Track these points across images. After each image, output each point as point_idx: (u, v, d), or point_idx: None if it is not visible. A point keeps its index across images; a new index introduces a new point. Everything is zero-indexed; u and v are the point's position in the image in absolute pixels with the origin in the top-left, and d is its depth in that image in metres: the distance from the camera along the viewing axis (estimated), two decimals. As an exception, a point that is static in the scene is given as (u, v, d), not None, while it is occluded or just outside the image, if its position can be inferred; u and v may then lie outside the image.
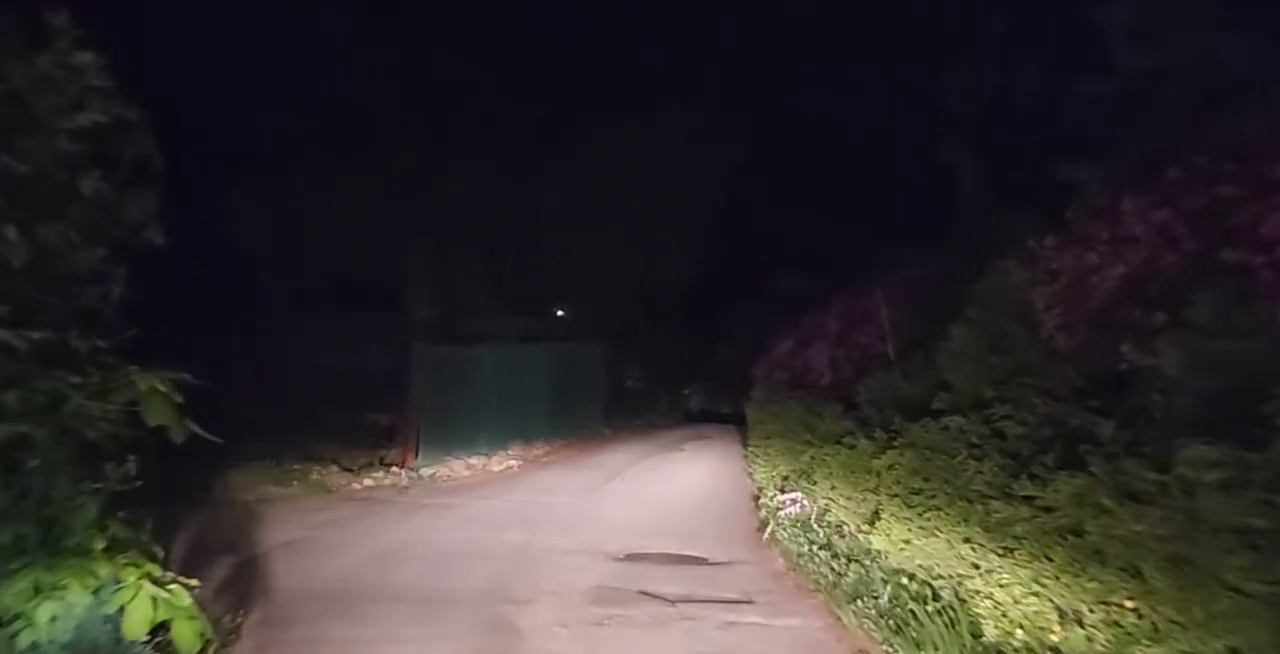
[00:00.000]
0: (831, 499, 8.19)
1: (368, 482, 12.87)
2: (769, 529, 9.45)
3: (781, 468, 10.55)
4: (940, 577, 4.82)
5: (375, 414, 15.25)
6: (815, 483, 8.81)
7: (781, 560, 8.69)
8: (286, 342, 14.88)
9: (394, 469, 13.38)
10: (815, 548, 7.94)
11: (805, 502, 8.89)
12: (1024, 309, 5.36)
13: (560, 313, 22.85)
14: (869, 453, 6.46)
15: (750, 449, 13.15)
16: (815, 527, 8.39)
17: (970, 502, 4.66)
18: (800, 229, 17.65)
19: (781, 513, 8.99)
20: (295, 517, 10.39)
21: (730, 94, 16.38)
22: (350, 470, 13.27)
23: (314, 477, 12.48)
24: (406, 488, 12.88)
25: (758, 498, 11.44)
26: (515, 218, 15.60)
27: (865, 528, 7.22)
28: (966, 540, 4.43)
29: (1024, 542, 3.95)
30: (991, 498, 4.41)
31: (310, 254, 14.23)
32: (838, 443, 7.96)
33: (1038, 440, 4.69)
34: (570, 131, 15.40)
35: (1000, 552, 4.14)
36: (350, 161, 13.69)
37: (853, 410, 8.47)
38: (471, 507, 11.56)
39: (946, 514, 4.79)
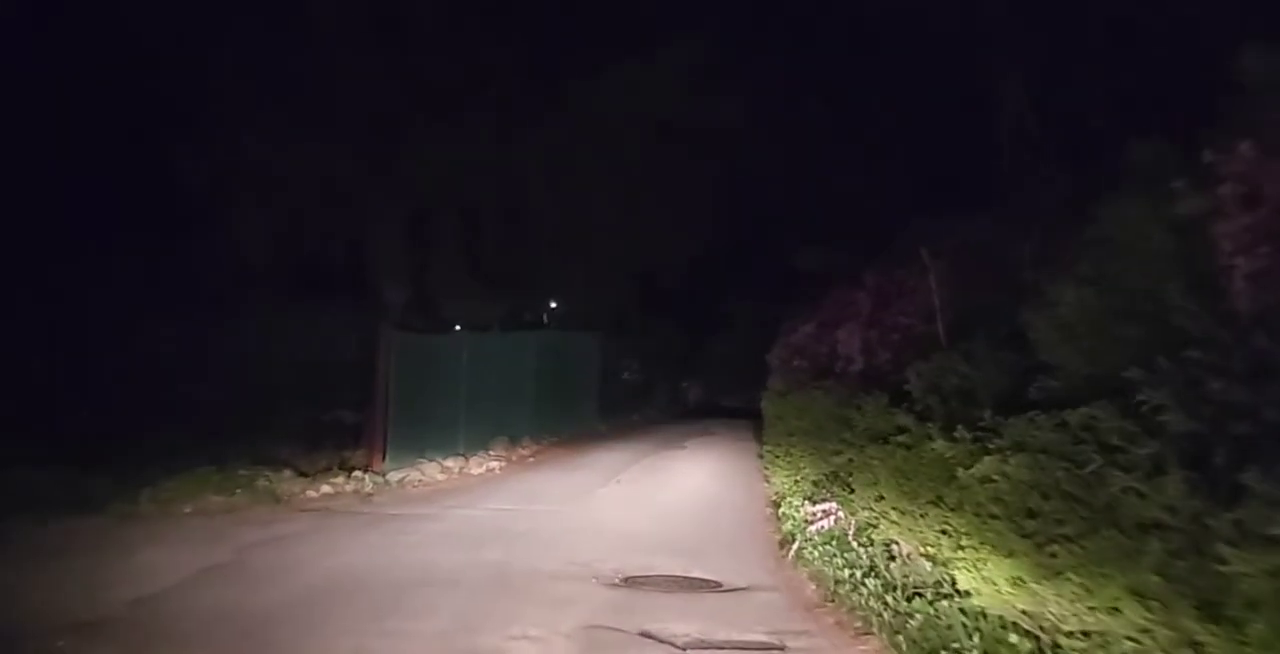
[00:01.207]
0: (878, 512, 6.75)
1: (326, 489, 11.42)
2: (794, 546, 8.02)
3: (809, 471, 9.11)
4: (1079, 636, 3.40)
5: (339, 411, 13.77)
6: (854, 491, 7.37)
7: (813, 586, 7.27)
8: (239, 329, 13.37)
9: (357, 474, 11.92)
10: (858, 573, 6.51)
11: (841, 514, 7.45)
12: (1176, 257, 3.93)
13: (554, 305, 21.44)
14: (945, 457, 5.01)
15: (768, 448, 11.69)
16: (855, 546, 6.96)
17: (1124, 533, 3.23)
18: (818, 200, 16.15)
19: (811, 527, 7.55)
20: (231, 532, 8.94)
21: (736, 40, 14.82)
22: (307, 475, 11.82)
23: (262, 483, 11.02)
24: (371, 495, 11.44)
25: (777, 505, 10.01)
26: (498, 188, 14.08)
27: (929, 552, 5.80)
28: (1136, 595, 2.99)
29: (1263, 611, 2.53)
30: (1173, 528, 2.98)
31: (266, 229, 12.70)
32: (885, 442, 6.52)
33: (1216, 441, 3.24)
34: (557, 86, 13.87)
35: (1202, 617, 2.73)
36: (309, 125, 12.17)
37: (901, 402, 7.03)
38: (444, 518, 10.12)
39: (1085, 550, 3.36)
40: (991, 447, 4.33)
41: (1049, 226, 8.19)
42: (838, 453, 8.09)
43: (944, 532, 5.03)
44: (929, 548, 5.90)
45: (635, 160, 15.22)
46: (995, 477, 4.16)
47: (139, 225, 12.06)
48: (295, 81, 11.69)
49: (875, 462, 6.57)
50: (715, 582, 7.74)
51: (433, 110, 12.48)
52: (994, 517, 4.12)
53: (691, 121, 14.95)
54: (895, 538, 6.40)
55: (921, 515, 5.94)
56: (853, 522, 7.36)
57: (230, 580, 7.14)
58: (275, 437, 12.96)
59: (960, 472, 4.59)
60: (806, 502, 8.34)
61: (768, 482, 11.58)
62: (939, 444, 5.04)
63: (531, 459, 14.98)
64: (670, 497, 11.89)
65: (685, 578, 7.82)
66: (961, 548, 4.56)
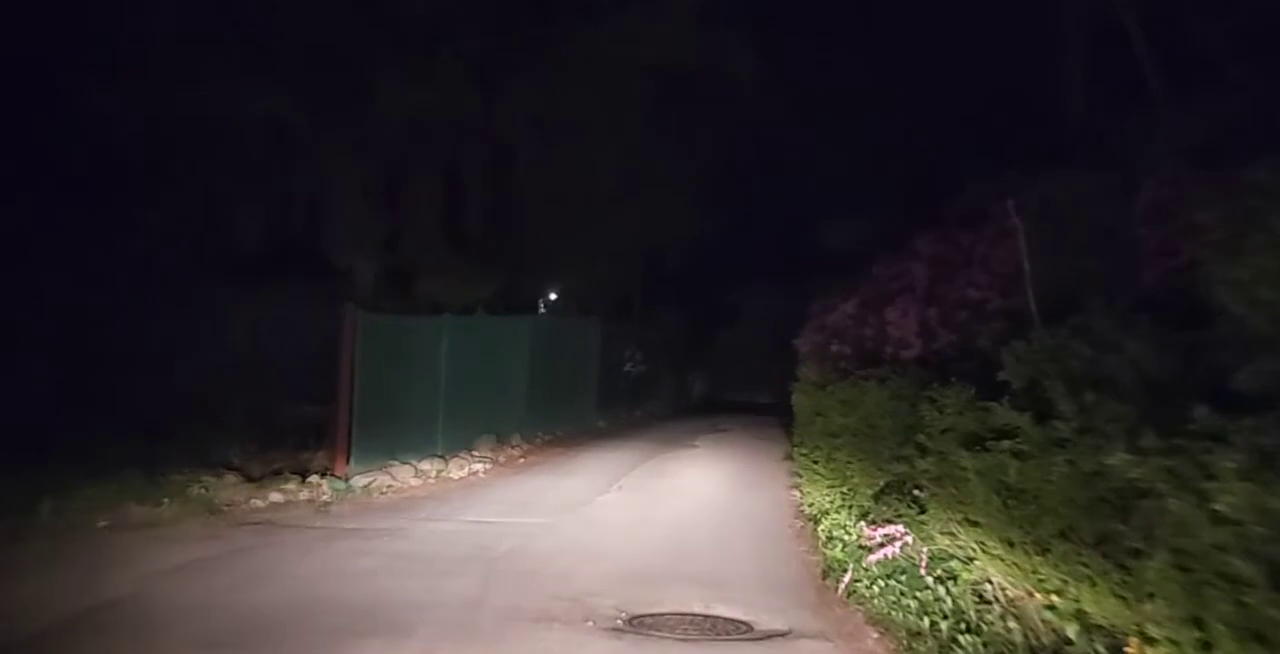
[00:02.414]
0: (967, 543, 5.16)
1: (275, 497, 9.85)
2: (845, 578, 6.42)
3: (859, 482, 7.51)
4: None
5: (301, 406, 12.19)
6: (925, 510, 5.79)
7: (875, 634, 5.69)
8: (182, 311, 11.77)
9: (314, 479, 10.33)
10: (943, 625, 4.93)
11: (909, 539, 5.86)
12: None
13: (554, 296, 19.89)
14: (1125, 477, 3.42)
15: (801, 451, 10.03)
16: (930, 583, 5.38)
17: None
18: (846, 165, 14.51)
19: (872, 558, 5.95)
20: (143, 554, 7.40)
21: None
22: (255, 481, 10.25)
23: (196, 491, 9.44)
24: (328, 505, 9.88)
25: (814, 521, 8.42)
26: (481, 147, 12.44)
27: (1052, 602, 4.24)
28: None
29: None
30: None
31: (209, 191, 11.07)
32: (981, 448, 4.93)
33: None
34: (547, 25, 12.20)
35: None
36: (255, 69, 10.51)
37: (994, 394, 5.44)
38: (411, 534, 8.56)
39: None
40: (1231, 465, 2.73)
41: (1172, 177, 6.61)
42: (901, 459, 6.49)
43: (1120, 593, 3.44)
44: (1055, 598, 4.33)
45: (637, 119, 13.58)
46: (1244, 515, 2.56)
47: (61, 188, 10.42)
48: (236, 14, 10.03)
49: (968, 474, 4.97)
50: (745, 623, 6.20)
51: (401, 50, 10.81)
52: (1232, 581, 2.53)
53: (699, 72, 13.30)
54: (999, 580, 4.82)
55: (1041, 551, 4.37)
56: (924, 550, 5.76)
57: (115, 627, 5.56)
58: (222, 436, 11.42)
59: (1172, 504, 2.98)
60: (862, 522, 6.74)
61: (799, 491, 9.99)
62: (1119, 458, 3.43)
63: (522, 460, 13.39)
64: (681, 507, 10.31)
65: (706, 617, 6.28)
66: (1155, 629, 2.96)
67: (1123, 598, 3.95)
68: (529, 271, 15.42)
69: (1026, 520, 4.62)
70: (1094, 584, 4.11)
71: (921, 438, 5.67)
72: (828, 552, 6.99)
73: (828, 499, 8.06)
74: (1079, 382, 4.57)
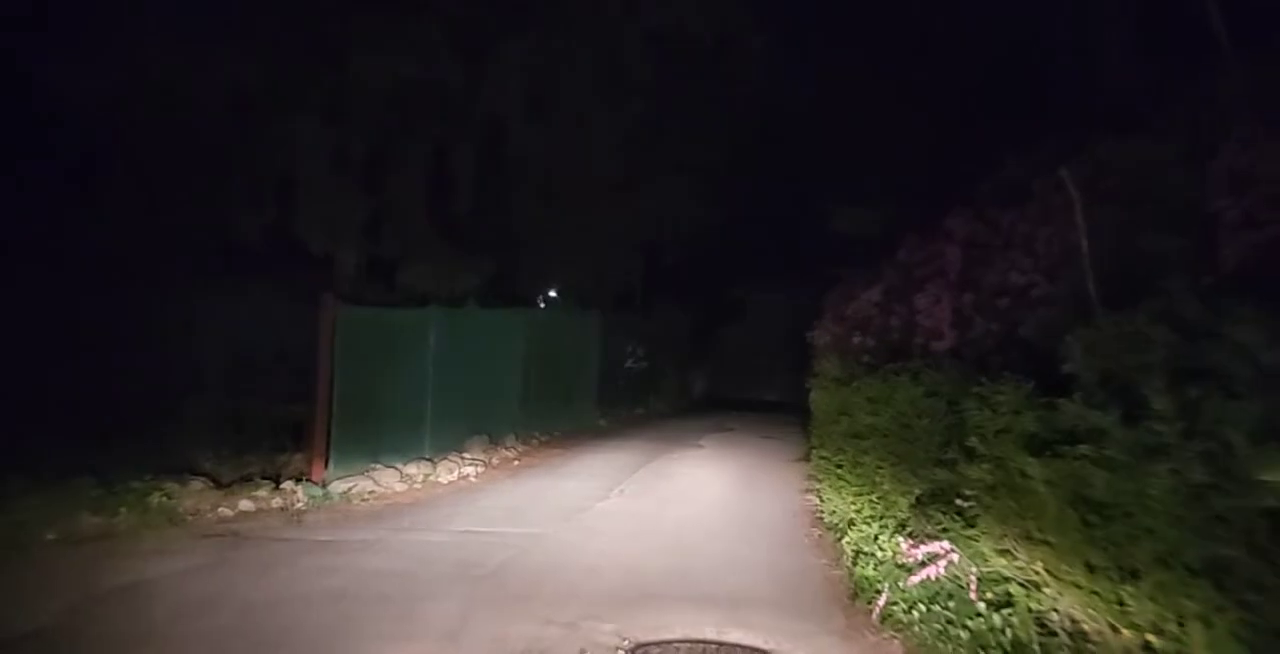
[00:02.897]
0: (1028, 565, 4.40)
1: (245, 505, 9.08)
2: (880, 601, 5.65)
3: (892, 491, 6.72)
4: None
5: (278, 405, 11.39)
6: (976, 525, 5.02)
7: (918, 670, 4.92)
8: (149, 307, 10.98)
9: (287, 485, 9.57)
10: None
11: (956, 557, 5.09)
12: None
13: (553, 294, 19.10)
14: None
15: (821, 454, 9.19)
16: (991, 614, 4.62)
17: None
18: (861, 145, 13.70)
19: (913, 580, 5.18)
20: (87, 573, 6.65)
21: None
22: (224, 487, 9.48)
23: (157, 499, 8.68)
24: (302, 513, 9.12)
25: (838, 532, 7.65)
26: (469, 123, 11.63)
27: (1149, 641, 3.50)
28: None
29: None
30: None
31: (173, 179, 10.28)
32: (1050, 453, 4.18)
33: None
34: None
35: None
36: (217, 35, 9.70)
37: (1044, 391, 4.71)
38: (389, 547, 7.80)
39: None
40: None
41: (1251, 141, 5.82)
42: (942, 464, 5.71)
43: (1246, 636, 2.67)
44: (1153, 637, 3.57)
45: (638, 99, 12.77)
46: None
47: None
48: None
49: (1033, 484, 4.21)
50: (764, 652, 5.46)
51: (375, 12, 9.97)
52: None
53: (705, 44, 12.48)
54: (1073, 611, 4.05)
55: (1132, 578, 3.61)
56: (973, 571, 4.99)
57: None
58: (191, 439, 10.64)
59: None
60: (898, 536, 5.96)
61: (815, 496, 9.21)
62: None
63: (516, 463, 12.63)
64: (688, 514, 9.55)
65: (720, 645, 5.57)
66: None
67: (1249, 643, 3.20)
68: (523, 262, 14.63)
69: (1112, 541, 3.85)
70: (1208, 624, 3.35)
71: (973, 441, 4.88)
72: (857, 569, 6.21)
73: (853, 507, 7.29)
74: (1177, 375, 3.80)
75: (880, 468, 6.90)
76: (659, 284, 23.38)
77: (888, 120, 13.13)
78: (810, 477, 11.16)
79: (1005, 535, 4.84)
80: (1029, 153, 8.62)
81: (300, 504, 9.37)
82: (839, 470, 8.07)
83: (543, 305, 17.86)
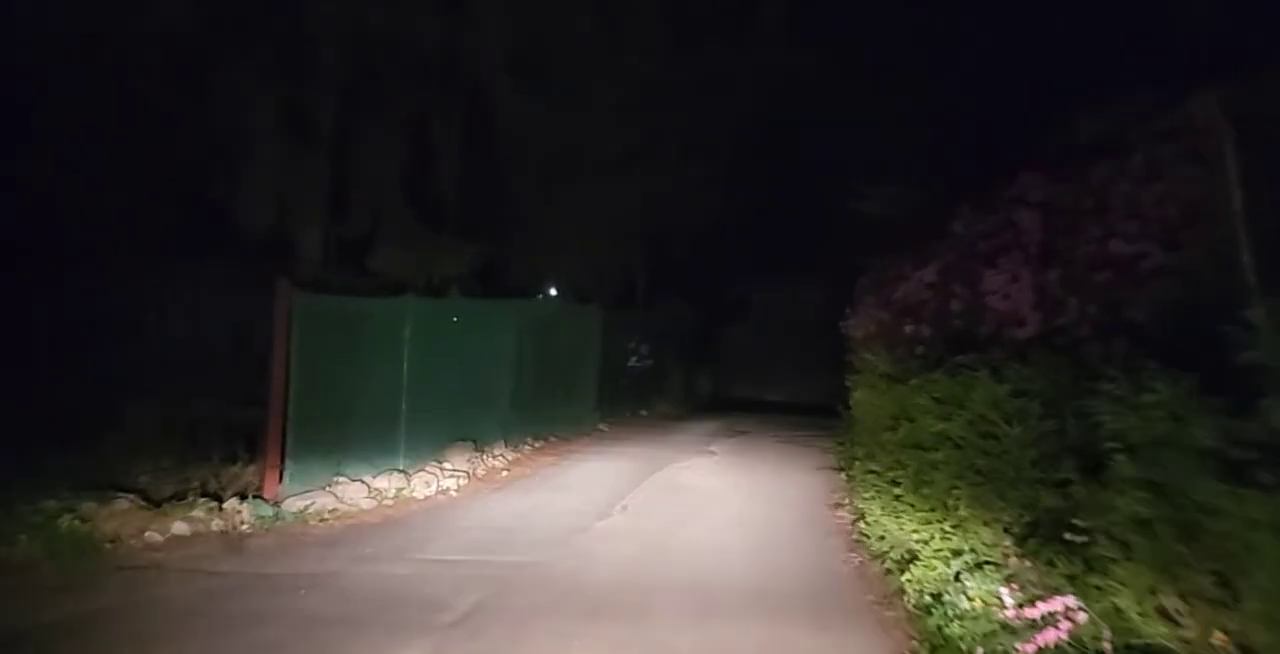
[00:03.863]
0: (1208, 640, 3.07)
1: (179, 527, 7.77)
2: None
3: (972, 519, 5.36)
4: None
5: (232, 408, 10.07)
6: (1109, 572, 3.69)
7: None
8: (84, 296, 9.69)
9: (231, 503, 8.24)
10: None
11: (1084, 617, 3.76)
12: None
13: (554, 292, 17.83)
14: None
15: (869, 469, 7.65)
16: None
17: None
18: (888, 117, 12.37)
19: (1028, 649, 3.84)
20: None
21: None
22: (157, 505, 8.15)
23: (68, 523, 7.34)
24: (246, 538, 7.81)
25: (891, 563, 6.30)
26: (452, 94, 10.32)
27: None
28: None
29: None
30: None
31: (104, 143, 8.95)
32: (1238, 478, 2.85)
33: None
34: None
35: None
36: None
37: (1219, 387, 3.38)
38: (341, 583, 6.50)
39: None
40: None
41: None
42: (1051, 487, 4.37)
43: None
44: None
45: (643, 60, 11.43)
46: None
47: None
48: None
49: (1224, 523, 2.88)
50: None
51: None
52: None
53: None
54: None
55: None
56: (1107, 635, 3.66)
57: None
58: (130, 448, 9.32)
59: None
60: (989, 579, 4.62)
61: (851, 513, 7.85)
62: None
63: (505, 473, 11.29)
64: (702, 536, 8.23)
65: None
66: None
67: None
68: (515, 248, 13.33)
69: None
70: None
71: (1121, 460, 3.55)
72: (931, 620, 4.86)
73: (914, 535, 5.95)
74: None
75: (956, 489, 5.55)
76: (664, 278, 22.20)
77: (921, 88, 11.80)
78: (841, 489, 9.87)
79: (1160, 590, 3.50)
80: (1104, 107, 7.29)
81: (245, 526, 8.04)
82: (894, 488, 6.70)
83: (550, 297, 16.52)
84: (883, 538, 6.55)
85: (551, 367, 14.26)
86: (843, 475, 10.16)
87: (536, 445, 13.16)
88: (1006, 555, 4.67)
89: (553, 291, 17.83)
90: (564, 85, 11.42)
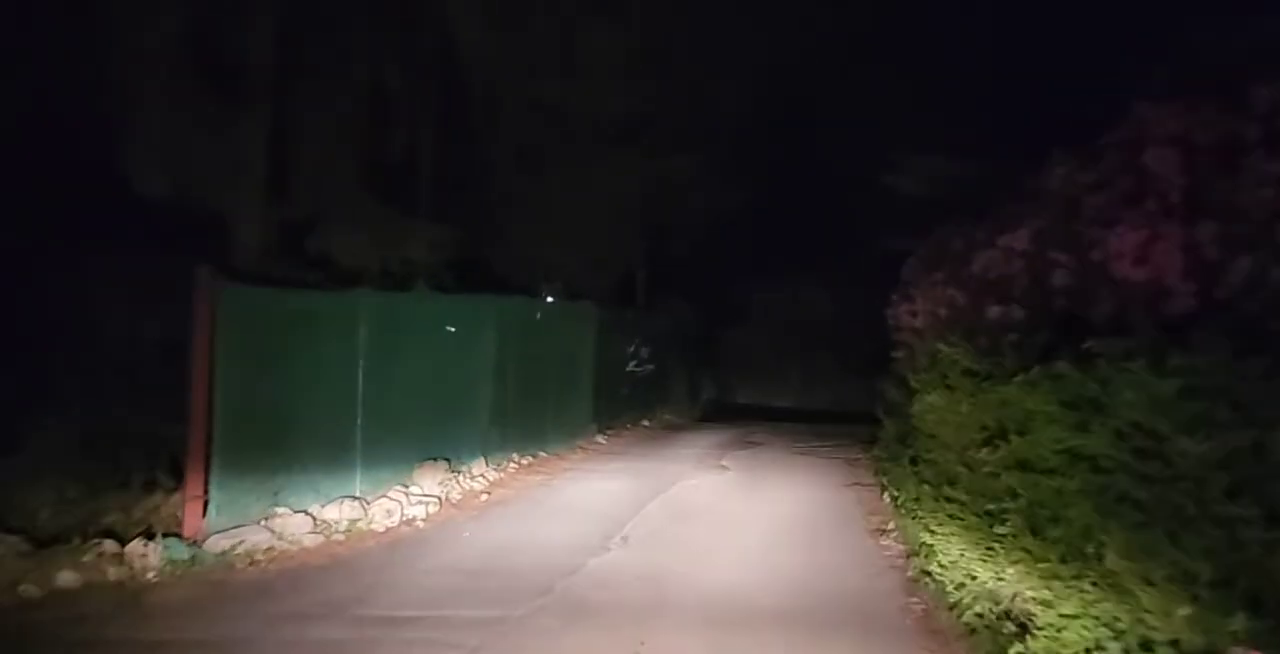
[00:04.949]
0: None
1: (65, 578, 6.33)
2: None
3: (1126, 574, 3.84)
4: None
5: (160, 422, 8.59)
6: None
7: None
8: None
9: (134, 546, 6.77)
10: None
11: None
12: None
13: (550, 298, 16.39)
14: None
15: (945, 495, 6.08)
16: None
17: None
18: (937, 74, 10.93)
19: None
20: None
21: None
22: (44, 546, 6.70)
23: (-87, 577, 5.90)
24: (149, 589, 6.35)
25: (976, 622, 4.81)
26: (416, 53, 8.87)
27: None
28: None
29: None
30: None
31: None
32: None
33: None
34: None
35: None
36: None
37: None
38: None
39: None
40: None
41: None
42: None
43: None
44: None
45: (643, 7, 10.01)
46: None
47: None
48: None
49: None
50: None
51: None
52: None
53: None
54: None
55: None
56: None
57: None
58: (26, 473, 7.87)
59: None
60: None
61: (921, 553, 6.36)
62: None
63: (485, 497, 9.81)
64: (723, 580, 6.76)
65: None
66: None
67: None
68: (495, 235, 11.88)
69: None
70: None
71: None
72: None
73: (1026, 591, 4.41)
74: None
75: (1108, 533, 3.99)
76: (667, 276, 20.84)
77: (966, 43, 10.36)
78: (881, 511, 8.42)
79: None
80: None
81: (152, 574, 6.57)
82: (993, 523, 5.14)
83: (549, 300, 15.06)
84: (963, 585, 5.06)
85: (541, 372, 12.80)
86: (885, 497, 8.69)
87: (523, 462, 11.68)
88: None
89: (545, 291, 16.43)
90: (548, 29, 9.96)
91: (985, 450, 5.03)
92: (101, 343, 8.97)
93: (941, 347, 6.17)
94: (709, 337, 25.27)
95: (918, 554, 6.67)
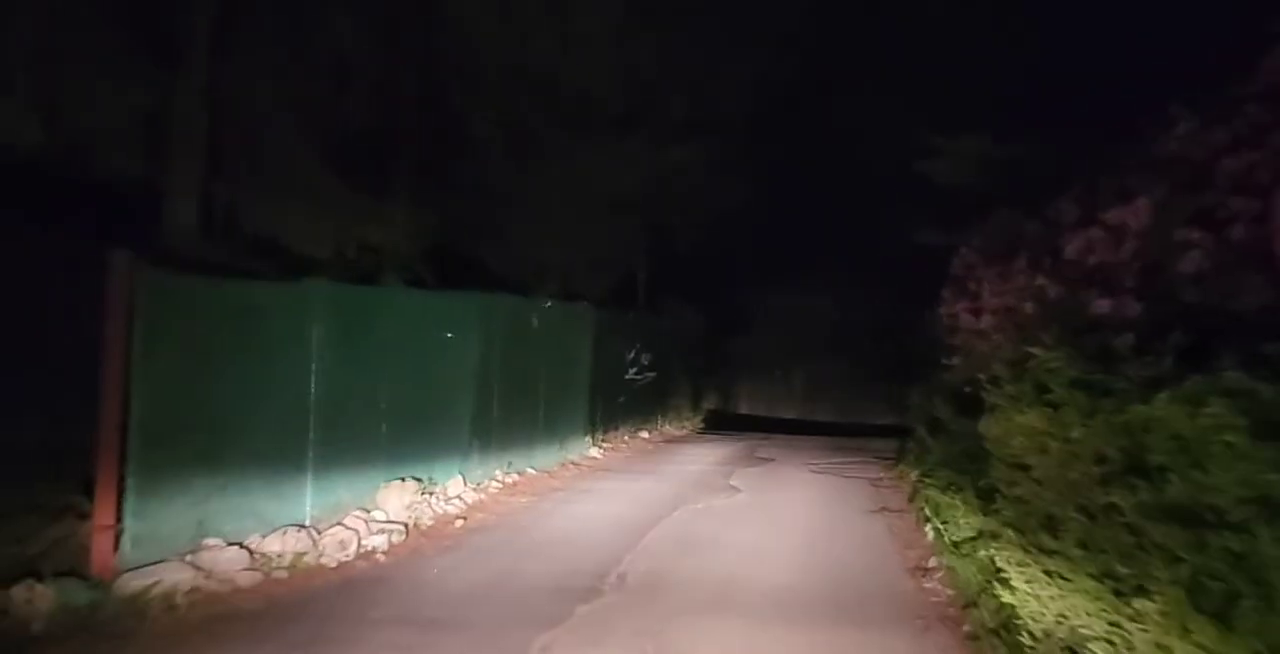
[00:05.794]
0: None
1: (-76, 631, 5.12)
2: None
3: None
4: None
5: (65, 434, 7.42)
6: None
7: None
8: None
9: (18, 590, 5.61)
10: None
11: None
12: None
13: (549, 304, 15.23)
14: None
15: (1025, 538, 4.77)
16: None
17: None
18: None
19: None
20: None
21: None
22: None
23: None
24: (26, 646, 5.16)
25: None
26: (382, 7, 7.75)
27: None
28: None
29: None
30: None
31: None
32: None
33: None
34: None
35: None
36: None
37: None
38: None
39: None
40: None
41: None
42: None
43: None
44: None
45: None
46: None
47: None
48: None
49: None
50: None
51: None
52: None
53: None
54: None
55: None
56: None
57: None
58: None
59: None
60: None
61: (950, 588, 5.18)
62: None
63: (461, 523, 8.63)
64: (742, 637, 5.58)
65: None
66: None
67: None
68: (481, 224, 10.73)
69: None
70: None
71: None
72: None
73: None
74: None
75: None
76: (670, 277, 19.76)
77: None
78: (919, 544, 7.27)
79: None
80: None
81: (38, 625, 5.40)
82: (1118, 590, 3.93)
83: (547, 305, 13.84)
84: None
85: (530, 379, 11.66)
86: (926, 529, 7.53)
87: (508, 481, 10.53)
88: None
89: (540, 296, 15.23)
90: (535, 6, 8.86)
91: (1114, 492, 3.84)
92: (12, 339, 7.80)
93: (1036, 351, 4.96)
94: (724, 341, 24.45)
95: (977, 606, 5.49)
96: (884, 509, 9.88)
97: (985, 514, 5.23)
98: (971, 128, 9.38)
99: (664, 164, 13.20)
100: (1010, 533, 4.97)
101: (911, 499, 9.21)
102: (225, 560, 6.52)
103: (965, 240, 8.85)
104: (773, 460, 14.35)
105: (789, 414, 26.41)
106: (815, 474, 12.90)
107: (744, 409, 26.78)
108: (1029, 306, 5.65)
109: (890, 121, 11.91)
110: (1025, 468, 4.81)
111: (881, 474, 12.78)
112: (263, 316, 7.09)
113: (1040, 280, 5.68)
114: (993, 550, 5.12)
